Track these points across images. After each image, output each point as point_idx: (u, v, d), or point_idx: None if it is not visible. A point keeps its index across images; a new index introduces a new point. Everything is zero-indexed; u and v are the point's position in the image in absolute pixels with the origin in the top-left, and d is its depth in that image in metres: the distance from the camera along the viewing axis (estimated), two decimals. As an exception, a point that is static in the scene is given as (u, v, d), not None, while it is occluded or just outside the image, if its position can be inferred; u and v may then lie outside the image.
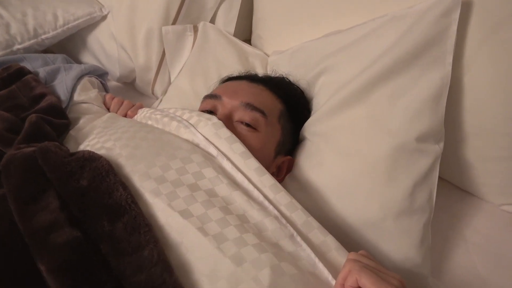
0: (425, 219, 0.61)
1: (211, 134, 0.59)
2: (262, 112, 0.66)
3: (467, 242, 0.68)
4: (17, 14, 0.98)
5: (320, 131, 0.68)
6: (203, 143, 0.59)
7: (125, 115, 0.78)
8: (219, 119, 0.63)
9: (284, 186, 0.67)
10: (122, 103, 0.80)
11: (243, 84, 0.73)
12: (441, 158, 0.64)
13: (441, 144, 0.64)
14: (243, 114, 0.66)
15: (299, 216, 0.52)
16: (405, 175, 0.61)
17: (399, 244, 0.59)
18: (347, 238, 0.60)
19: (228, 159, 0.56)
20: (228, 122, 0.65)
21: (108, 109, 0.81)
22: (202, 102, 0.72)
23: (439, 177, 0.66)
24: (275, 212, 0.51)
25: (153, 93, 1.05)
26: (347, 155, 0.64)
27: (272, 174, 0.69)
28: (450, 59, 0.63)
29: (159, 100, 0.95)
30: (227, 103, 0.68)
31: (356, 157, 0.63)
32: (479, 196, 0.75)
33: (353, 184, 0.62)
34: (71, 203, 0.47)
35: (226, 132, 0.59)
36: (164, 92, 0.99)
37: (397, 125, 0.62)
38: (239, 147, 0.57)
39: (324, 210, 0.62)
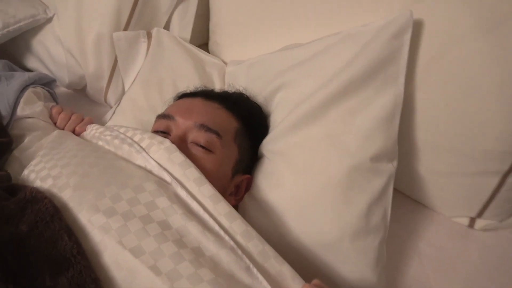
0: (380, 237, 0.62)
1: (164, 159, 0.57)
2: (216, 133, 0.65)
3: (420, 255, 0.70)
4: None
5: (278, 149, 0.68)
6: (156, 169, 0.56)
7: (73, 131, 0.74)
8: (173, 141, 0.61)
9: (243, 206, 0.67)
10: (70, 117, 0.75)
11: (198, 102, 0.70)
12: (396, 171, 0.66)
13: (395, 162, 0.65)
14: (197, 136, 0.64)
15: (255, 245, 0.51)
16: (361, 196, 0.62)
17: (356, 264, 0.60)
18: (304, 260, 0.60)
19: (183, 186, 0.54)
20: (182, 144, 0.63)
21: (55, 123, 0.76)
22: (156, 122, 0.69)
23: (393, 189, 0.68)
24: (231, 243, 0.50)
25: (105, 102, 1.00)
26: (305, 174, 0.64)
27: (231, 194, 0.68)
28: (402, 79, 0.64)
29: (112, 110, 0.90)
30: (181, 123, 0.66)
31: (313, 177, 0.63)
32: (432, 208, 0.78)
33: (310, 205, 0.62)
34: (7, 251, 0.43)
35: (179, 157, 0.57)
36: (118, 101, 0.94)
37: (352, 145, 0.63)
38: (193, 172, 0.55)
39: (282, 231, 0.62)
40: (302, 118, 0.66)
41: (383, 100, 0.64)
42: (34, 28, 0.99)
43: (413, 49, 0.64)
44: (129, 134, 0.63)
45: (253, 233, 0.52)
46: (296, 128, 0.66)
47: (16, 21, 0.95)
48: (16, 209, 0.47)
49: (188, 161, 0.57)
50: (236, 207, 0.69)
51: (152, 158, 0.57)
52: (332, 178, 0.62)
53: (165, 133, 0.66)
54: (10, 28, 0.95)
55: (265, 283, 0.48)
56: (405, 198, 0.80)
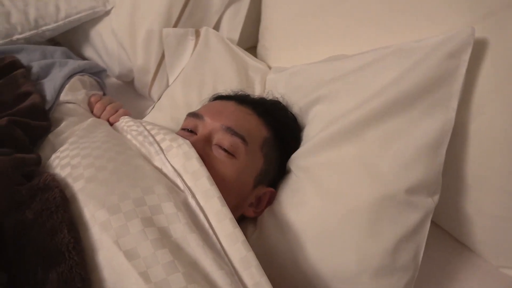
0: (407, 279, 0.55)
1: (180, 165, 0.55)
2: (242, 138, 0.62)
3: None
4: (18, 3, 0.95)
5: (305, 165, 0.63)
6: (171, 174, 0.55)
7: (107, 121, 0.75)
8: (197, 140, 0.59)
9: (262, 220, 0.64)
10: (105, 108, 0.76)
11: (230, 105, 0.68)
12: (439, 205, 0.58)
13: (436, 197, 0.58)
14: (222, 138, 0.62)
15: (251, 275, 0.46)
16: (390, 229, 0.55)
17: (373, 306, 0.53)
18: (316, 292, 0.55)
19: (193, 196, 0.52)
20: (206, 144, 0.61)
21: (92, 112, 0.78)
22: (185, 119, 0.68)
23: (435, 224, 0.60)
24: (230, 266, 0.46)
25: (149, 96, 1.01)
26: (330, 197, 0.58)
27: (251, 204, 0.65)
28: (455, 104, 0.56)
29: (151, 107, 0.91)
30: (209, 124, 0.64)
31: (339, 201, 0.58)
32: (477, 253, 0.68)
33: (332, 231, 0.57)
34: (9, 239, 0.43)
35: (194, 165, 0.54)
36: (160, 96, 0.95)
37: (386, 172, 0.56)
38: (204, 183, 0.53)
39: (297, 254, 0.57)
40: (336, 136, 0.61)
41: (429, 125, 0.56)
42: (94, 20, 1.03)
43: (472, 71, 0.57)
44: (154, 132, 0.62)
45: (253, 261, 0.47)
46: (327, 146, 0.61)
47: (77, 12, 0.99)
48: (27, 196, 0.48)
49: (202, 170, 0.54)
50: (254, 219, 0.66)
51: (168, 162, 0.56)
52: (359, 205, 0.56)
53: (192, 132, 0.64)
54: (71, 18, 1.00)
55: None
56: (447, 236, 0.70)
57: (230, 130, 0.62)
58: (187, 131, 0.65)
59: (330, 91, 0.66)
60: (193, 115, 0.67)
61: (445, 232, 0.71)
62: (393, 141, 0.57)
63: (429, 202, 0.57)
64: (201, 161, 0.55)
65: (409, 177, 0.55)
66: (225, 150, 0.61)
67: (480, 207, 0.63)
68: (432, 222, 0.58)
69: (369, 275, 0.54)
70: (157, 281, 0.42)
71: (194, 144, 0.58)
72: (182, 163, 0.55)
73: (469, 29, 0.55)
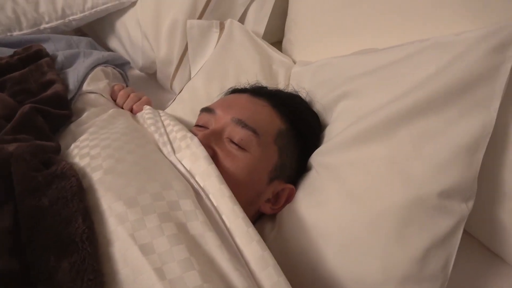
0: (436, 290, 0.51)
1: (190, 166, 0.54)
2: (253, 131, 0.60)
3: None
4: (47, -8, 0.96)
5: (328, 162, 0.60)
6: (186, 174, 0.54)
7: (131, 109, 0.75)
8: (208, 135, 0.59)
9: (281, 217, 0.61)
10: (129, 96, 0.76)
11: (243, 98, 0.66)
12: (472, 213, 0.54)
13: (470, 203, 0.53)
14: (232, 131, 0.60)
15: (269, 276, 0.44)
16: (419, 235, 0.51)
17: (398, 317, 0.50)
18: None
19: (207, 196, 0.51)
20: (217, 138, 0.60)
21: (115, 101, 0.77)
22: (199, 114, 0.67)
23: (467, 232, 0.56)
24: (246, 268, 0.44)
25: (171, 89, 1.00)
26: (354, 198, 0.55)
27: (268, 200, 0.62)
28: (497, 104, 0.51)
29: (172, 100, 0.89)
30: (220, 118, 0.62)
31: (364, 202, 0.54)
32: (510, 264, 0.63)
33: (356, 235, 0.53)
34: (23, 225, 0.42)
35: (202, 165, 0.53)
36: (182, 89, 0.93)
37: (418, 173, 0.52)
38: (213, 183, 0.51)
39: (314, 259, 0.54)
40: (364, 133, 0.57)
41: (467, 126, 0.52)
42: (120, 10, 1.03)
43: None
44: (168, 129, 0.62)
45: (270, 260, 0.45)
46: (355, 143, 0.58)
47: (104, 2, 0.99)
48: (43, 182, 0.47)
49: (210, 169, 0.53)
50: (273, 216, 0.63)
51: (180, 162, 0.55)
52: (387, 209, 0.53)
53: (204, 128, 0.63)
54: (98, 9, 1.00)
55: None
56: (479, 246, 0.66)
57: (240, 123, 0.60)
58: (199, 127, 0.65)
59: (359, 86, 0.63)
60: (206, 109, 0.66)
61: (477, 242, 0.66)
62: (427, 142, 0.53)
63: (463, 208, 0.53)
64: (209, 159, 0.54)
65: (442, 180, 0.52)
66: (236, 144, 0.59)
67: (518, 216, 0.58)
68: (464, 230, 0.54)
69: (394, 284, 0.50)
70: (172, 278, 0.40)
71: (203, 139, 0.57)
72: (191, 163, 0.54)
73: (516, 22, 0.50)
